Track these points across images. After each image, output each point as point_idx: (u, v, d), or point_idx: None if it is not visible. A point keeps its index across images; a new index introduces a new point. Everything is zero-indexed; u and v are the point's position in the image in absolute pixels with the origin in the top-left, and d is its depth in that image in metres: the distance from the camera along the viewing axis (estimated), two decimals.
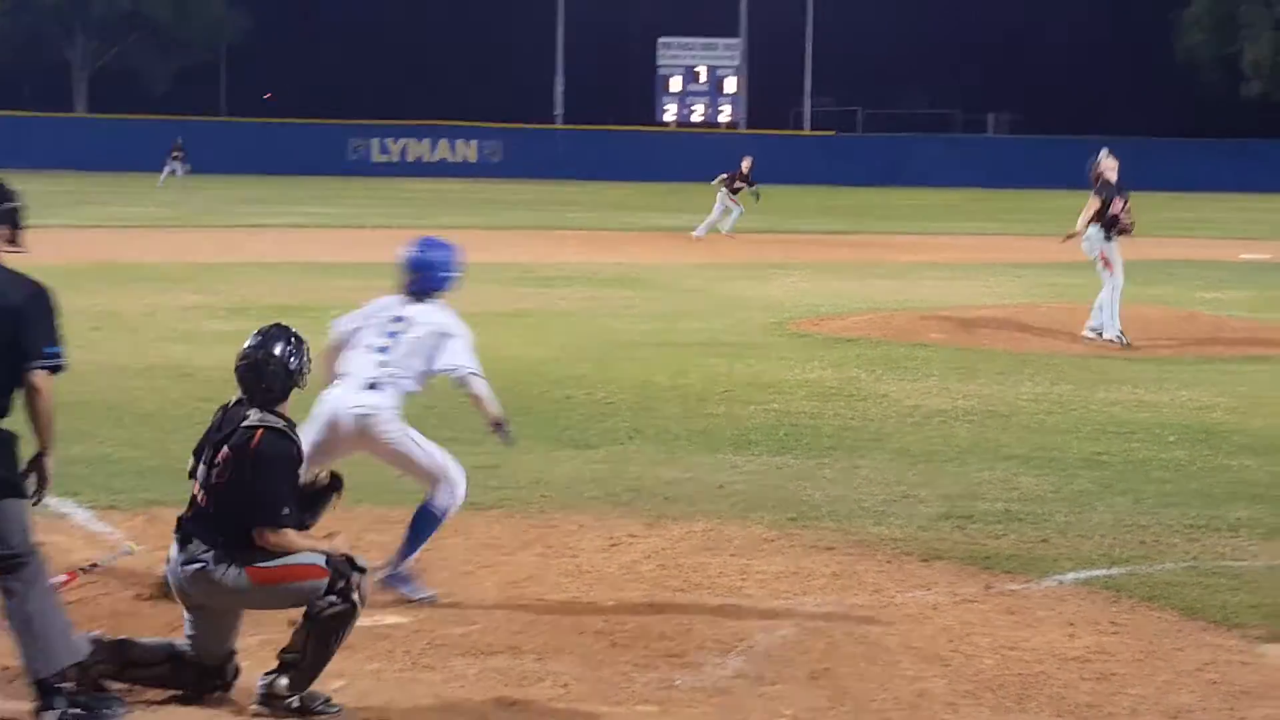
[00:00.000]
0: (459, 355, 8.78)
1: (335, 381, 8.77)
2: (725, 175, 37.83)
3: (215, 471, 6.95)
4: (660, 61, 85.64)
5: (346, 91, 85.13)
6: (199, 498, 7.03)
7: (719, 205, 37.41)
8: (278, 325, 7.22)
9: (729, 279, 27.89)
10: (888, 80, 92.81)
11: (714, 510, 10.98)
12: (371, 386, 8.65)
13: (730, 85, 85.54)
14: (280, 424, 7.01)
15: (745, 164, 37.89)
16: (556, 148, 74.82)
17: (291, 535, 6.93)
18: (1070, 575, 9.52)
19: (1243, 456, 13.15)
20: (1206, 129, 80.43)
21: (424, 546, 8.86)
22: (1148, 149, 78.98)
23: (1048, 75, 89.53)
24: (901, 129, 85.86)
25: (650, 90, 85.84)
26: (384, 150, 73.18)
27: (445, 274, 8.99)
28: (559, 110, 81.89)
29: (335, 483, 7.34)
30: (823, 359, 18.18)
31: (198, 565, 6.94)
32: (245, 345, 7.12)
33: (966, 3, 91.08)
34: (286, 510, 6.92)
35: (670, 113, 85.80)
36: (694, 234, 37.07)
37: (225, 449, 6.94)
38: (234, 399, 7.16)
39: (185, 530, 7.02)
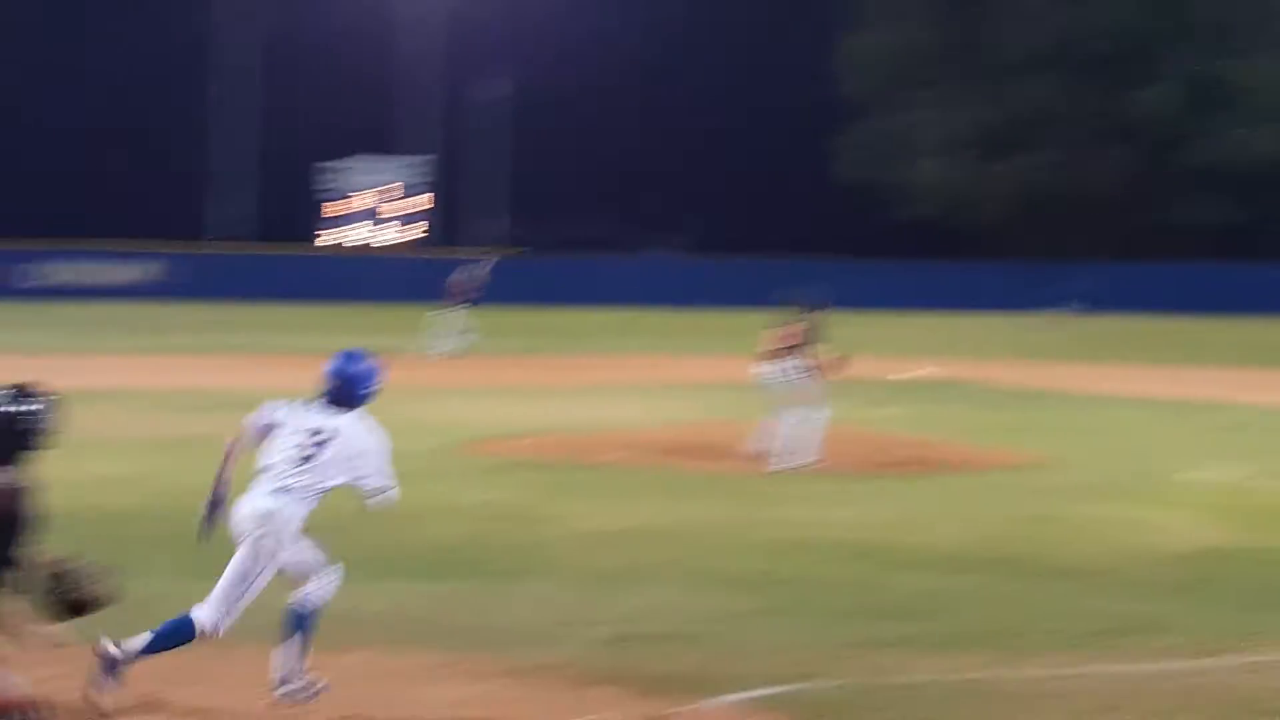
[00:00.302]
0: (379, 476, 9.37)
1: (254, 479, 9.18)
2: (461, 291, 38.89)
3: None
4: (347, 180, 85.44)
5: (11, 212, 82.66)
6: None
7: (459, 322, 38.44)
8: (21, 385, 7.19)
9: (408, 401, 27.57)
10: (574, 200, 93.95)
11: (383, 638, 10.81)
12: (282, 490, 9.09)
13: (417, 204, 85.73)
14: (20, 484, 6.85)
15: (475, 273, 39.32)
16: (238, 268, 73.69)
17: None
18: (734, 696, 9.57)
19: (900, 572, 13.47)
20: (875, 249, 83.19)
21: (160, 650, 8.95)
22: (819, 269, 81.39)
23: (727, 196, 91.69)
24: (586, 249, 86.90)
25: (334, 209, 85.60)
26: (50, 272, 71.03)
27: (365, 389, 9.41)
28: (239, 230, 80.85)
29: (102, 597, 7.20)
30: (500, 481, 18.13)
31: None
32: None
33: (648, 122, 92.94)
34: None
35: (356, 232, 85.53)
36: (438, 353, 37.64)
37: None
38: None
39: None
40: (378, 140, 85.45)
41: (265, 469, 9.20)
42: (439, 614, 11.65)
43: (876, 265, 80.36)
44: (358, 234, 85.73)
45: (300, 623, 9.22)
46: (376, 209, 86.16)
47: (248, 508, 9.10)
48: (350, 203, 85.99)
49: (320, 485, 9.18)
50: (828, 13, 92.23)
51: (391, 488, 9.41)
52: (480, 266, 40.07)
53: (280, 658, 9.14)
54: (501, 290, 71.24)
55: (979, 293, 78.98)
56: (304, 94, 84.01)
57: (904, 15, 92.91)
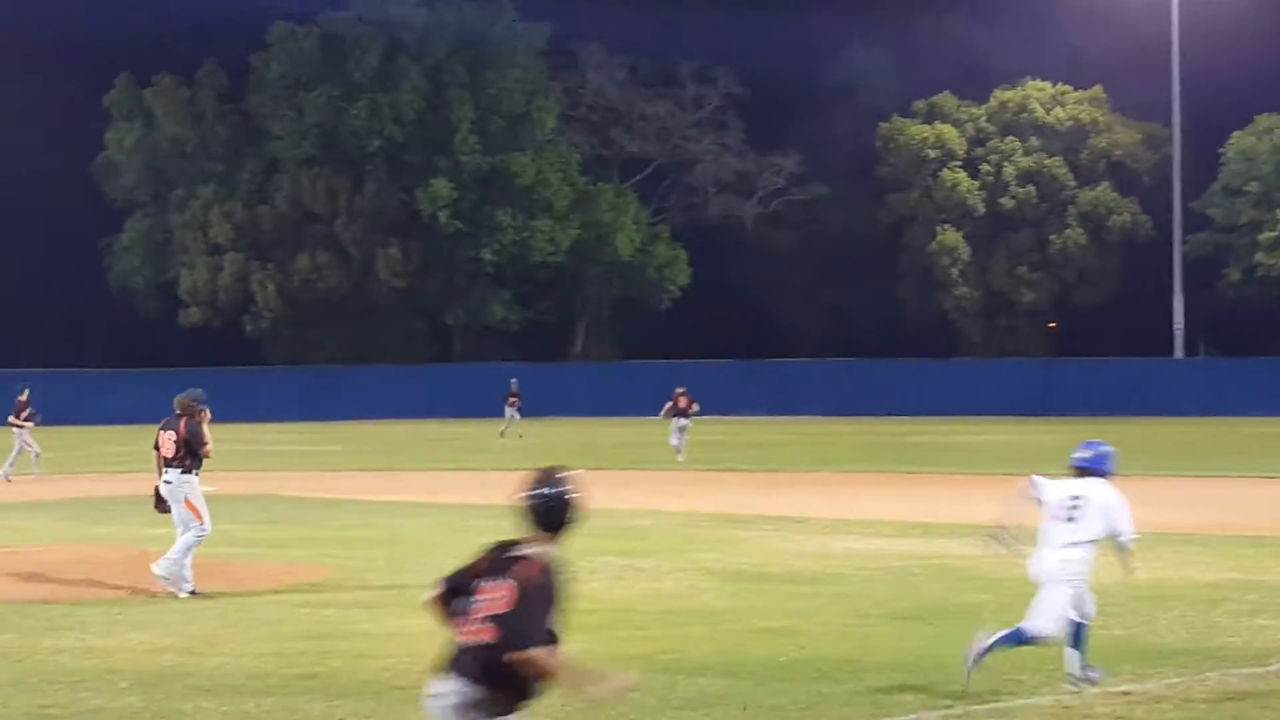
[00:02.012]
0: (1126, 523, 13.49)
1: (1037, 545, 13.59)
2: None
3: (493, 603, 7.82)
4: None
5: None
6: (472, 631, 7.87)
7: (18, 442, 40.91)
8: (558, 469, 8.38)
9: None
10: None
11: None
12: (1065, 545, 13.33)
13: None
14: (557, 557, 8.07)
15: (25, 395, 41.59)
16: None
17: (554, 658, 7.78)
18: None
19: (198, 699, 13.35)
20: (146, 358, 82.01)
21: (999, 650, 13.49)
22: (83, 381, 79.57)
23: None
24: None
25: None
26: None
27: (1110, 465, 13.78)
28: None
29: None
30: None
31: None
32: (533, 485, 8.25)
33: None
34: (547, 636, 7.80)
35: None
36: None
37: (506, 580, 7.86)
38: (500, 540, 8.21)
39: (461, 670, 7.84)
40: None
41: (1046, 529, 13.49)
42: None
43: (151, 375, 79.11)
44: None
45: (1079, 632, 13.53)
46: None
47: (1048, 559, 13.42)
48: None
49: (1087, 536, 13.36)
50: (87, 109, 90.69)
51: (1134, 536, 13.60)
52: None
53: (1069, 658, 13.62)
54: None
55: (267, 401, 79.11)
56: None
57: (166, 111, 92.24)
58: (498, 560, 8.07)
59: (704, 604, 18.61)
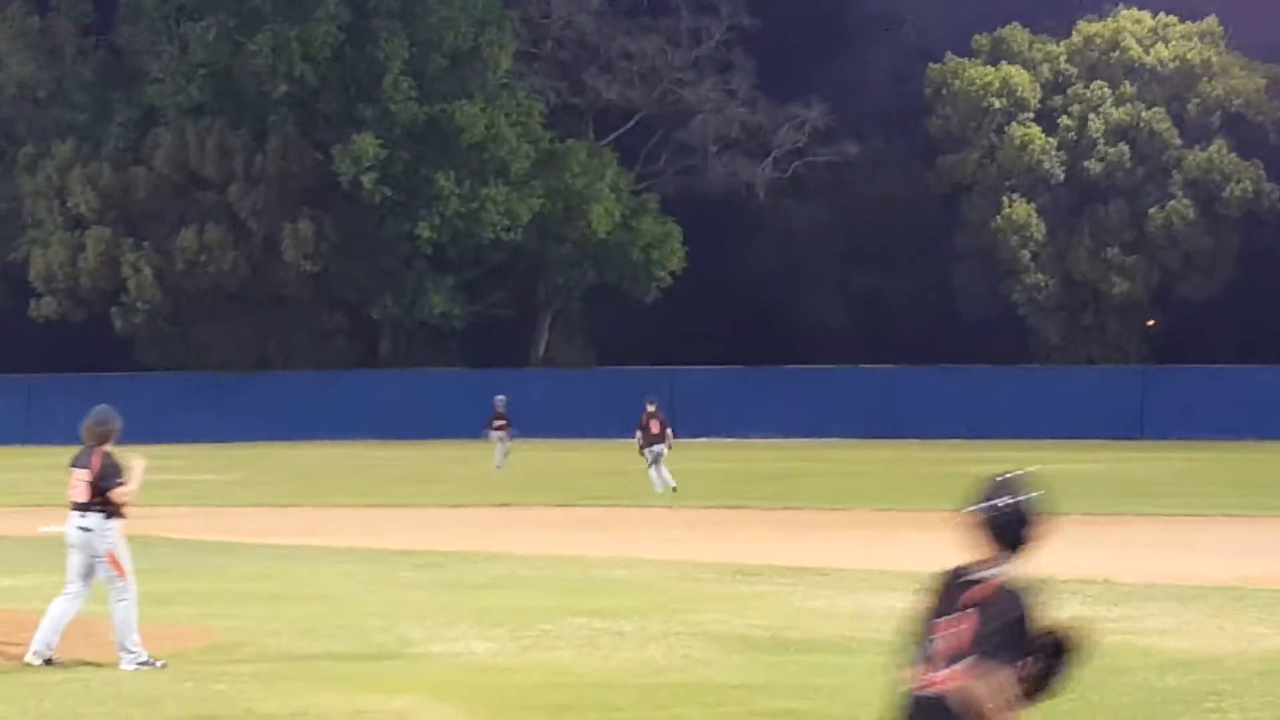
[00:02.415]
0: None
1: None
2: None
3: (956, 640, 8.53)
4: None
5: None
6: (934, 680, 8.56)
7: None
8: (1014, 474, 9.06)
9: None
10: None
11: None
12: None
13: None
14: (1019, 577, 8.68)
15: None
16: None
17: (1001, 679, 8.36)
18: None
19: None
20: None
21: None
22: None
23: None
24: None
25: None
26: None
27: None
28: None
29: (1063, 644, 8.70)
30: None
31: None
32: (986, 495, 8.94)
33: None
34: (1001, 658, 8.40)
35: None
36: None
37: (963, 611, 8.57)
38: (953, 566, 8.93)
39: None
40: None
41: None
42: None
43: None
44: None
45: None
46: None
47: None
48: None
49: None
50: None
51: None
52: None
53: None
54: None
55: (142, 415, 78.97)
56: None
57: (12, 46, 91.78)
58: (950, 589, 8.82)
59: (702, 678, 18.60)
